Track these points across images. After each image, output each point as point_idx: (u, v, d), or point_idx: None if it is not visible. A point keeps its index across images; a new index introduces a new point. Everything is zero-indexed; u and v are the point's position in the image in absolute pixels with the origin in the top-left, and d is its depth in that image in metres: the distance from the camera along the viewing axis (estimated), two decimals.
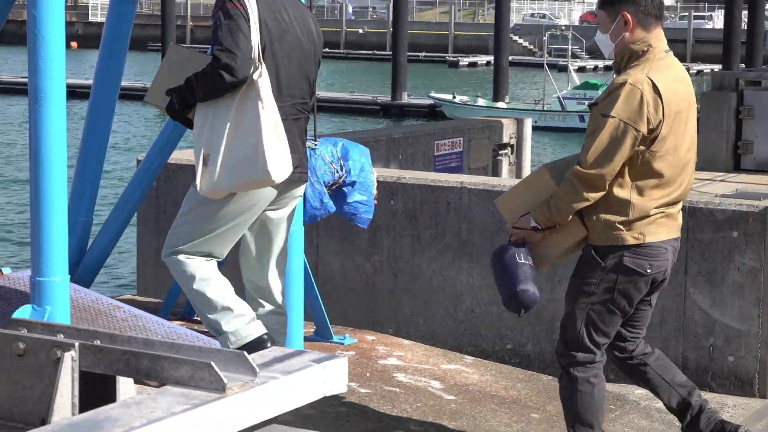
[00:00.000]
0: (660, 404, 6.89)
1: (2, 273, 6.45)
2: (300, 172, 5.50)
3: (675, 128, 5.17)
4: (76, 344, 2.82)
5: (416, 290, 8.19)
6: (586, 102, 42.01)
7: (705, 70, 65.88)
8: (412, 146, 11.61)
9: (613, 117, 5.05)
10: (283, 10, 5.46)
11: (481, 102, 43.91)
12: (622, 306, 5.27)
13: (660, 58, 5.25)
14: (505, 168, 13.96)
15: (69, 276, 4.85)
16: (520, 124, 14.52)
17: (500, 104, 44.26)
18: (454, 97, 44.30)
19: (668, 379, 5.60)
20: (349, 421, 5.72)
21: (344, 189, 6.67)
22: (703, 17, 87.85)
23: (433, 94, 46.07)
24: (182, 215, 5.64)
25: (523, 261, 5.27)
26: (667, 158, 5.16)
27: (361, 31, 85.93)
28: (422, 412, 6.11)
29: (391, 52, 51.91)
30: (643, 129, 5.06)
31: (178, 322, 6.61)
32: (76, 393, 2.80)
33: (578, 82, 45.06)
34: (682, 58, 74.12)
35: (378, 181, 6.94)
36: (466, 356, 7.08)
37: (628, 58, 5.26)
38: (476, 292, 8.23)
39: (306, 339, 6.44)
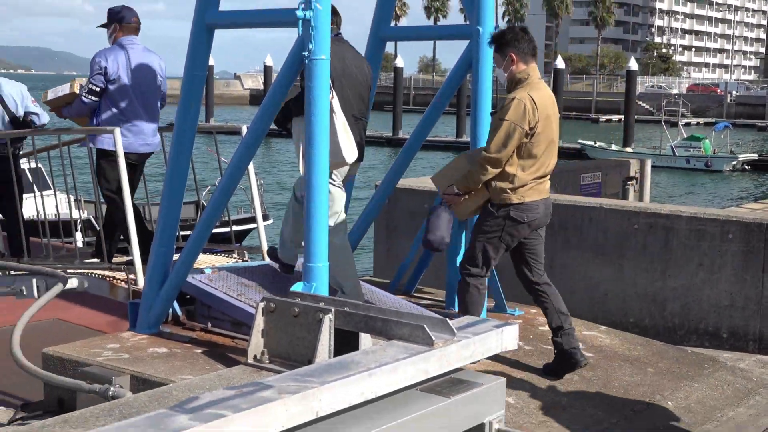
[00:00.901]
0: (743, 364, 6.62)
1: None
2: (359, 155, 5.71)
3: (545, 127, 5.44)
4: (333, 310, 2.85)
5: (565, 278, 8.06)
6: (692, 150, 40.83)
7: None
8: (564, 178, 11.46)
9: (507, 120, 5.35)
10: (344, 56, 5.64)
11: (614, 147, 42.92)
12: (506, 241, 5.53)
13: (536, 83, 5.49)
14: (632, 194, 13.63)
15: (329, 263, 4.92)
16: (642, 163, 14.18)
17: (628, 149, 43.27)
18: (595, 143, 43.49)
19: (555, 307, 5.62)
20: (518, 369, 5.66)
21: None
22: None
23: (580, 141, 45.26)
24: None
25: (442, 217, 5.71)
26: (540, 146, 5.44)
27: None
28: None
29: None
30: (526, 127, 5.36)
31: (401, 296, 6.64)
32: (332, 343, 2.83)
33: (686, 135, 43.63)
34: (761, 117, 71.48)
35: None
36: (601, 326, 6.91)
37: (515, 83, 5.51)
38: (608, 280, 8.04)
39: (488, 311, 6.39)
